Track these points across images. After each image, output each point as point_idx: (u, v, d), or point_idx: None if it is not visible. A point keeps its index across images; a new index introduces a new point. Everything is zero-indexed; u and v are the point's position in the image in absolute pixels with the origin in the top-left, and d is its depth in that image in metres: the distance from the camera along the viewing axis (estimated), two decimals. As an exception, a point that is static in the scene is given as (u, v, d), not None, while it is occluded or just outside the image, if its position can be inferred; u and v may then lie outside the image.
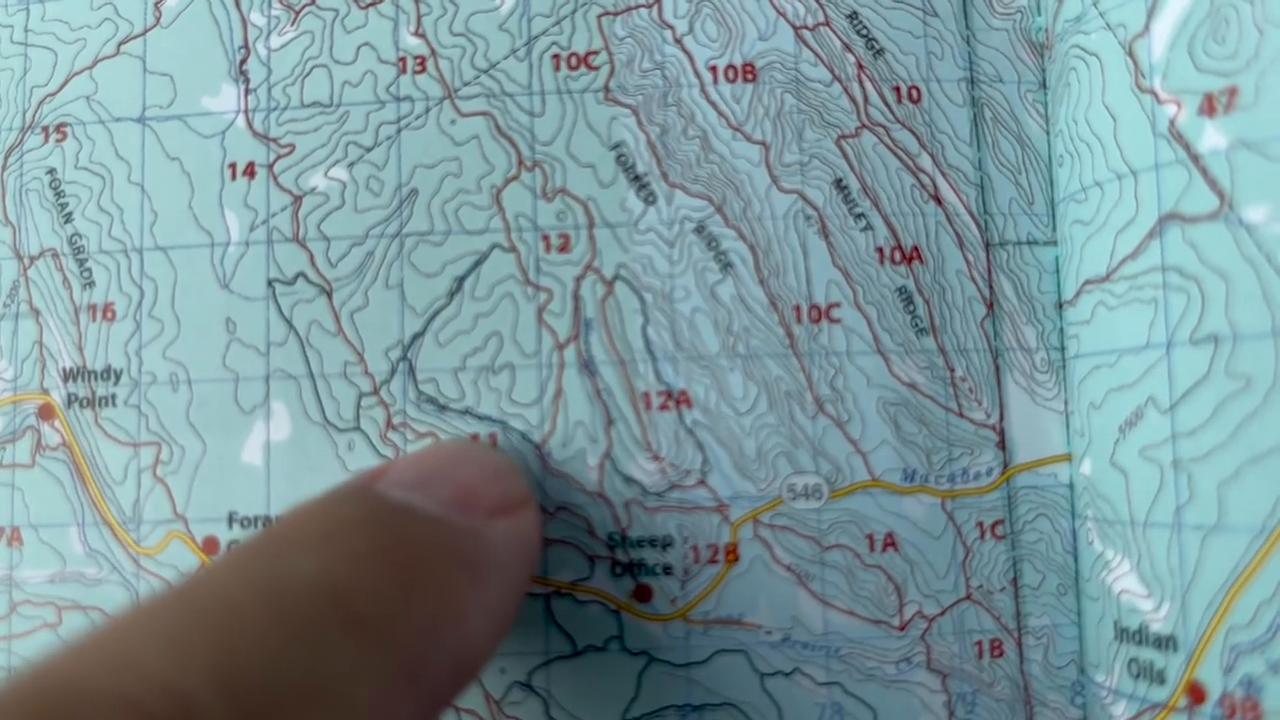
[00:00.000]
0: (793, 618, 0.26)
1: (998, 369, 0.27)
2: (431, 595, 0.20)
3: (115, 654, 0.17)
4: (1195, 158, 0.23)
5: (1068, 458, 0.27)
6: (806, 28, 0.27)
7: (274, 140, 0.28)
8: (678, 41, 0.27)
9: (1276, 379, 0.21)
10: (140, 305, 0.28)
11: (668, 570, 0.26)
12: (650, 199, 0.27)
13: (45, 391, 0.28)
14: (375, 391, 0.27)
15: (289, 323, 0.27)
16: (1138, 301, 0.24)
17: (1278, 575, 0.21)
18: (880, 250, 0.27)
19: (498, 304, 0.27)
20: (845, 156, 0.27)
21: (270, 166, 0.28)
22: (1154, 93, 0.23)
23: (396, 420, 0.27)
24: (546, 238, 0.27)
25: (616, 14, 0.27)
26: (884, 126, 0.27)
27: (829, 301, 0.27)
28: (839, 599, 0.26)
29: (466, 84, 0.28)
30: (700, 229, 0.27)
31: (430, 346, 0.27)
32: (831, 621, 0.26)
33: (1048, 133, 0.28)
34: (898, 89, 0.27)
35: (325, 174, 0.28)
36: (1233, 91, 0.22)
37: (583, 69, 0.27)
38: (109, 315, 0.28)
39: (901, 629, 0.26)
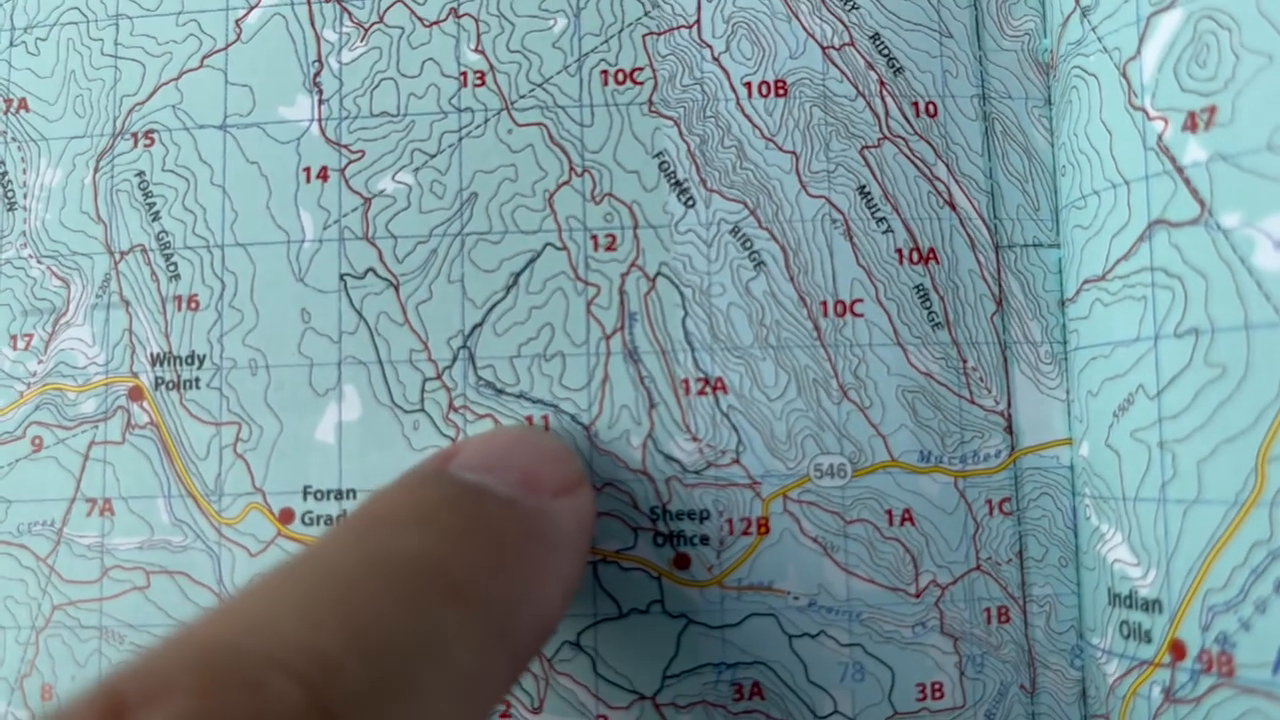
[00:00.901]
0: (818, 585, 0.27)
1: (1006, 360, 0.28)
2: (515, 567, 0.22)
3: (258, 620, 0.18)
4: (1180, 169, 0.24)
5: (1068, 441, 0.28)
6: (833, 47, 0.28)
7: (345, 147, 0.29)
8: (716, 59, 0.28)
9: (1248, 367, 0.22)
10: (222, 296, 0.29)
11: (704, 541, 0.27)
12: (690, 203, 0.28)
13: (135, 375, 0.29)
14: (438, 376, 0.28)
15: (359, 313, 0.29)
16: (1129, 299, 0.25)
17: (1249, 543, 0.22)
18: (900, 251, 0.28)
19: (550, 297, 0.28)
20: (868, 165, 0.28)
21: (342, 171, 0.29)
22: (1145, 110, 0.24)
23: (458, 403, 0.28)
24: (595, 237, 0.28)
25: (660, 34, 0.28)
26: (903, 138, 0.28)
27: (853, 297, 0.28)
28: (860, 568, 0.27)
29: (522, 97, 0.29)
30: (735, 230, 0.28)
31: (488, 336, 0.28)
32: (854, 588, 0.27)
33: (1052, 145, 0.28)
34: (916, 104, 0.28)
35: (393, 178, 0.29)
36: (1212, 110, 0.23)
37: (629, 84, 0.28)
38: (193, 305, 0.29)
39: (917, 596, 0.27)
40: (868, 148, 0.28)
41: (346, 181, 0.29)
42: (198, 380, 0.29)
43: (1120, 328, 0.25)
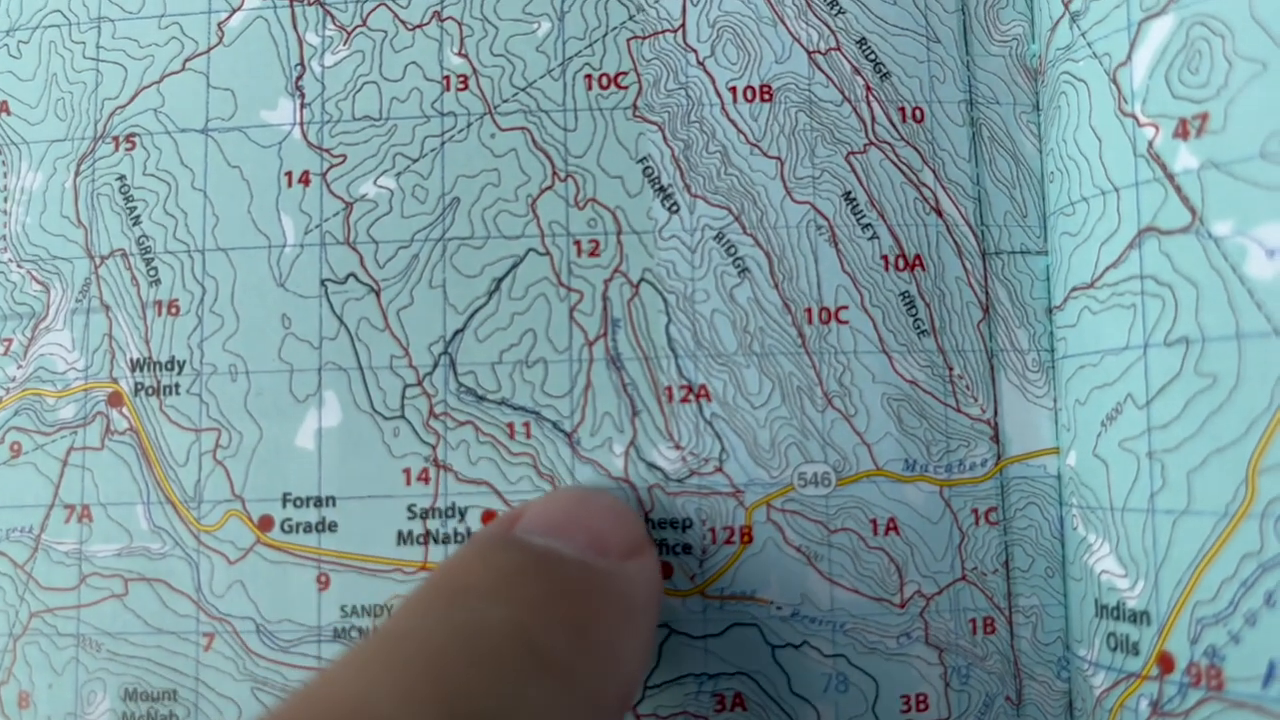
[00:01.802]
0: (802, 594, 0.27)
1: (992, 368, 0.28)
2: (600, 634, 0.21)
3: (351, 700, 0.18)
4: (1170, 176, 0.23)
5: (1055, 450, 0.27)
6: (819, 52, 0.28)
7: (327, 151, 0.29)
8: (700, 64, 0.28)
9: (1239, 377, 0.22)
10: (202, 301, 0.29)
11: (687, 549, 0.27)
12: (674, 208, 0.28)
13: (114, 380, 0.29)
14: (419, 383, 0.28)
15: (340, 319, 0.28)
16: (1119, 307, 0.25)
17: (1239, 555, 0.22)
18: (885, 258, 0.28)
19: (532, 303, 0.28)
20: (854, 171, 0.28)
21: (324, 175, 0.29)
22: (1135, 117, 0.24)
23: (438, 409, 0.28)
24: (578, 243, 0.28)
25: (644, 38, 0.28)
26: (890, 144, 0.28)
27: (838, 304, 0.27)
28: (844, 578, 0.27)
29: (505, 101, 0.29)
30: (720, 236, 0.28)
31: (470, 342, 0.28)
32: (838, 598, 0.27)
33: (1040, 151, 0.28)
34: (903, 109, 0.28)
35: (374, 182, 0.29)
36: (1204, 117, 0.23)
37: (613, 88, 0.28)
38: (173, 310, 0.29)
39: (902, 606, 0.27)
40: (854, 153, 0.28)
41: (328, 186, 0.29)
42: (177, 386, 0.29)
43: (1109, 336, 0.25)
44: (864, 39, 0.28)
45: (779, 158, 0.28)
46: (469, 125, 0.29)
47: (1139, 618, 0.24)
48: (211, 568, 0.28)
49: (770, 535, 0.27)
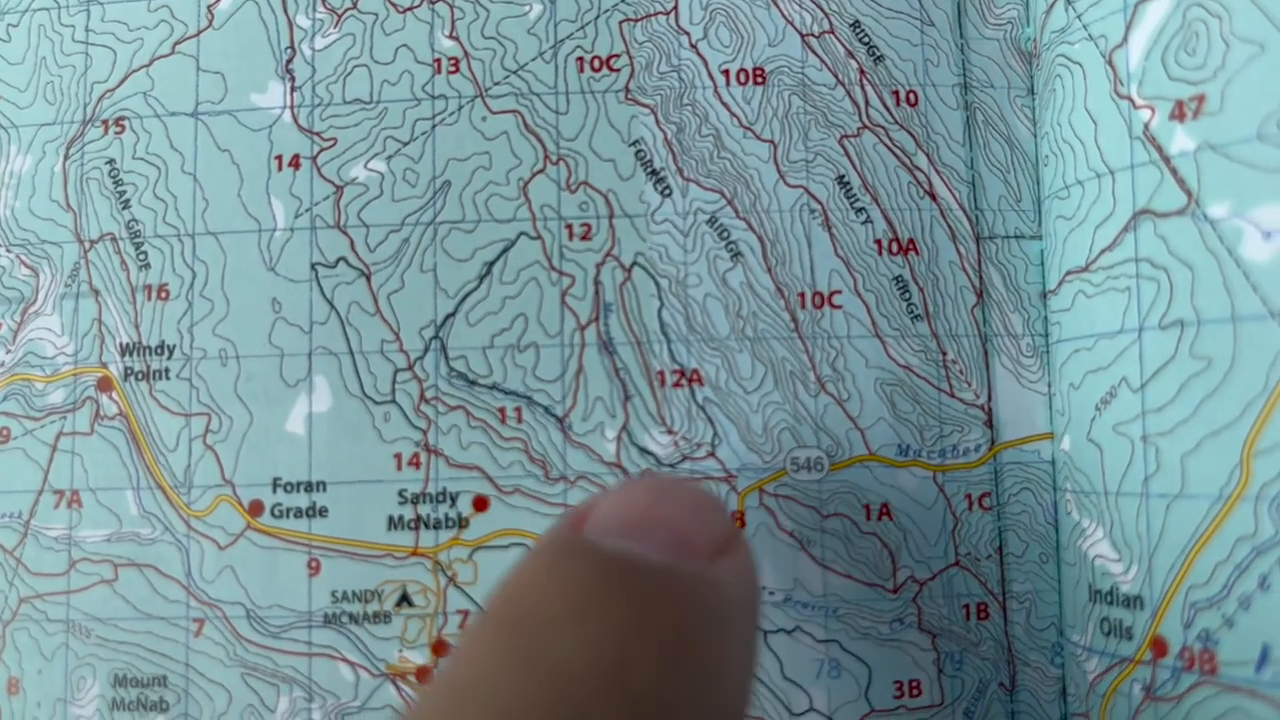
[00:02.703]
0: (794, 579, 0.27)
1: (986, 353, 0.28)
2: (695, 659, 0.18)
3: None
4: (1166, 159, 0.23)
5: (1050, 436, 0.27)
6: (813, 35, 0.28)
7: (318, 134, 0.29)
8: (693, 46, 0.28)
9: (1234, 360, 0.22)
10: (192, 286, 0.29)
11: None
12: (666, 192, 0.28)
13: (104, 365, 0.29)
14: (410, 367, 0.28)
15: (330, 303, 0.28)
16: (1113, 290, 0.25)
17: (1233, 538, 0.22)
18: (879, 242, 0.28)
19: (524, 287, 0.28)
20: (847, 155, 0.28)
21: (314, 158, 0.29)
22: (1130, 99, 0.24)
23: (429, 394, 0.28)
24: (570, 227, 0.28)
25: (637, 20, 0.28)
26: (883, 128, 0.28)
27: (831, 289, 0.27)
28: (837, 563, 0.27)
29: (496, 84, 0.28)
30: (712, 220, 0.28)
31: (461, 326, 0.28)
32: (830, 584, 0.27)
33: (1034, 135, 0.28)
34: (896, 93, 0.28)
35: (365, 166, 0.29)
36: (1201, 99, 0.23)
37: (605, 71, 0.28)
38: (163, 295, 0.29)
39: (895, 592, 0.27)
40: (847, 137, 0.28)
41: (318, 169, 0.29)
42: (167, 371, 0.29)
43: (1103, 320, 0.25)
44: (858, 22, 0.28)
45: (772, 141, 0.28)
46: (460, 108, 0.29)
47: (1132, 602, 0.24)
48: (202, 553, 0.28)
49: (763, 520, 0.27)
